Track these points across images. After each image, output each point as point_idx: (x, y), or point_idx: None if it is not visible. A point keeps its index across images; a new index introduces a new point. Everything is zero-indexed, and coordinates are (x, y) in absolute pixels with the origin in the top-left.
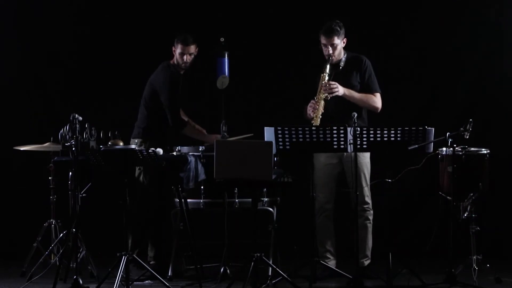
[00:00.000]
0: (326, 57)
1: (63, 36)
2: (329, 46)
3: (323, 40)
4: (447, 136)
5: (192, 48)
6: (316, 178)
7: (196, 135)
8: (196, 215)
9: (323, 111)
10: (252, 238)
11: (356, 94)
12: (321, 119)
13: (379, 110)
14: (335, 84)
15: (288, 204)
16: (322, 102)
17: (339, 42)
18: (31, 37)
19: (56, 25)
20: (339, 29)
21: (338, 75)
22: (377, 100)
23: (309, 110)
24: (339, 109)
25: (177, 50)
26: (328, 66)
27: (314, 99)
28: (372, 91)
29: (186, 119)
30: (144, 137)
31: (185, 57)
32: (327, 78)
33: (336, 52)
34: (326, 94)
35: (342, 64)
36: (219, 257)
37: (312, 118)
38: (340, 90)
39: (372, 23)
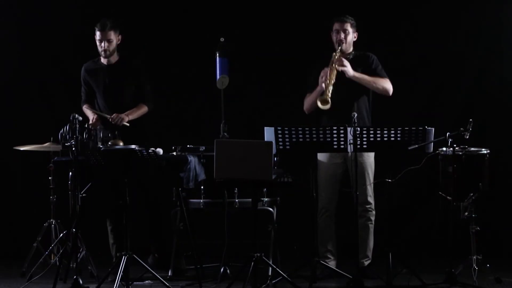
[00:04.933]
0: (337, 44)
1: (63, 36)
2: (342, 32)
3: (336, 26)
4: (447, 136)
5: (111, 34)
6: (320, 177)
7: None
8: (196, 215)
9: (334, 81)
10: (252, 238)
11: (366, 76)
12: (328, 109)
13: (391, 93)
14: (347, 62)
15: (288, 204)
16: (335, 72)
17: (352, 32)
18: (31, 37)
19: (56, 25)
20: (352, 20)
21: None
22: (387, 82)
23: (322, 79)
24: (346, 96)
25: (96, 37)
26: (339, 50)
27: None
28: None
29: (146, 107)
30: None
31: (103, 43)
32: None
33: (348, 39)
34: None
35: (351, 57)
36: (219, 257)
37: (323, 91)
38: (350, 70)
39: (372, 23)
